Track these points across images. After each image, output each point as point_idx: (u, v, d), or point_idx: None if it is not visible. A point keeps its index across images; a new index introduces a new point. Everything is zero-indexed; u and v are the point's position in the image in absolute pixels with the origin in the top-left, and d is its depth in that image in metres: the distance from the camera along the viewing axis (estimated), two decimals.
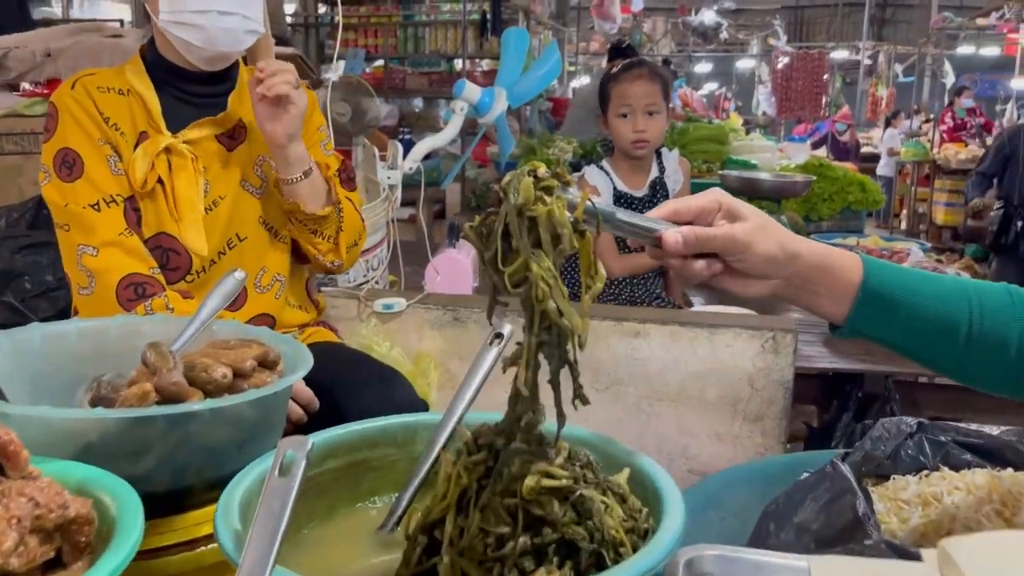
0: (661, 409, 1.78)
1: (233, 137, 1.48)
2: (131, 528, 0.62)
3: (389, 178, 2.15)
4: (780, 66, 8.52)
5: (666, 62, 9.37)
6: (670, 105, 2.47)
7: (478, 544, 0.68)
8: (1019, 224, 3.44)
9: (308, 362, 0.95)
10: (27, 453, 0.61)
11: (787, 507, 1.01)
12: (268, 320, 1.49)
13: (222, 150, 1.46)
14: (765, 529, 1.00)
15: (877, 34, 17.55)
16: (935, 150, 9.81)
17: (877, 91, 14.74)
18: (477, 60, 7.85)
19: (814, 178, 3.08)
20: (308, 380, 1.40)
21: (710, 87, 18.75)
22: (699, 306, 2.59)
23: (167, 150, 1.39)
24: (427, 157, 2.26)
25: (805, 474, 1.04)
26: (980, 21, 10.26)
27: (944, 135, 10.31)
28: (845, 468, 1.02)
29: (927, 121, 12.36)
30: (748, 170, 3.09)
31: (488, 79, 7.40)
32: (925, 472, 1.04)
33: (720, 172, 3.09)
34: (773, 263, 0.81)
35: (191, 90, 1.46)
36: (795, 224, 3.23)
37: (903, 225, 10.39)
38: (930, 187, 9.56)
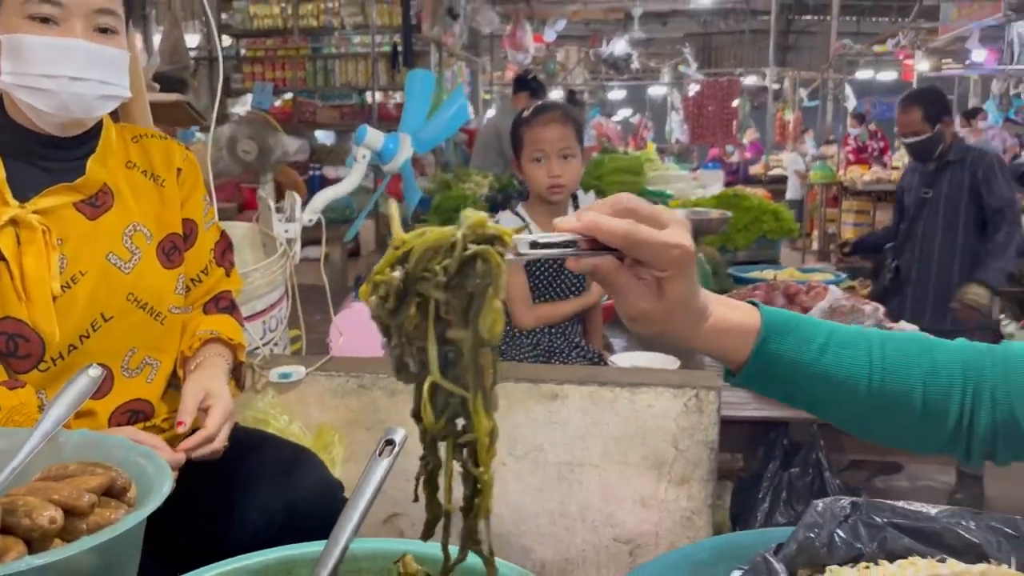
0: (583, 475, 1.68)
1: (96, 205, 1.32)
2: None
3: (287, 231, 2.01)
4: (691, 93, 8.68)
5: (572, 93, 9.43)
6: (584, 146, 2.40)
7: None
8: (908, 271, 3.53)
9: (166, 484, 0.81)
10: None
11: None
12: (144, 406, 1.33)
13: (83, 220, 1.30)
14: None
15: (782, 60, 18.17)
16: (841, 172, 10.13)
17: (784, 115, 15.23)
18: (390, 92, 7.74)
19: (730, 214, 3.06)
20: (202, 464, 1.25)
21: (624, 113, 19.07)
22: (620, 351, 2.51)
23: (13, 222, 1.23)
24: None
25: (736, 573, 0.95)
26: (877, 48, 10.68)
27: (849, 157, 10.68)
28: (776, 564, 0.93)
29: (828, 142, 12.80)
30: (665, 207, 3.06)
31: (401, 112, 7.28)
32: (864, 565, 0.96)
33: None
34: (672, 320, 0.74)
35: (43, 154, 1.29)
36: (713, 260, 3.21)
37: (815, 245, 10.66)
38: (838, 208, 9.87)
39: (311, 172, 6.48)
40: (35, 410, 1.19)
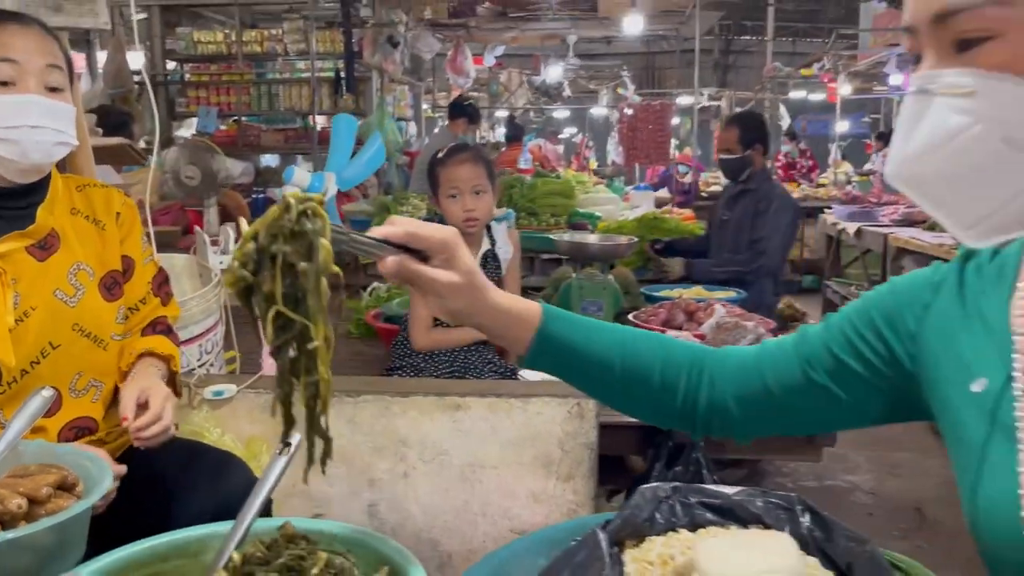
0: (484, 475, 1.92)
1: (45, 248, 1.52)
2: None
3: (222, 263, 2.22)
4: (626, 117, 9.03)
5: (512, 117, 9.75)
6: (495, 183, 2.65)
7: None
8: None
9: (107, 481, 1.03)
10: None
11: (554, 571, 1.16)
12: (89, 423, 1.54)
13: (33, 261, 1.50)
14: None
15: (722, 79, 18.66)
16: None
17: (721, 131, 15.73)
18: (332, 116, 7.94)
19: (636, 240, 3.34)
20: (142, 476, 1.45)
21: (571, 131, 19.46)
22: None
23: None
24: None
25: (572, 543, 1.19)
26: (804, 72, 11.20)
27: (779, 173, 11.11)
28: (601, 536, 1.18)
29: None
30: (579, 235, 3.34)
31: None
32: (673, 533, 1.21)
33: (554, 238, 3.30)
34: (466, 311, 0.93)
35: (1, 204, 1.50)
36: (626, 281, 3.48)
37: None
38: None
39: (255, 195, 6.63)
40: None
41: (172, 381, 1.63)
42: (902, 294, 0.90)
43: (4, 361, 1.42)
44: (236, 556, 0.91)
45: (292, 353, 0.85)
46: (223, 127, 7.42)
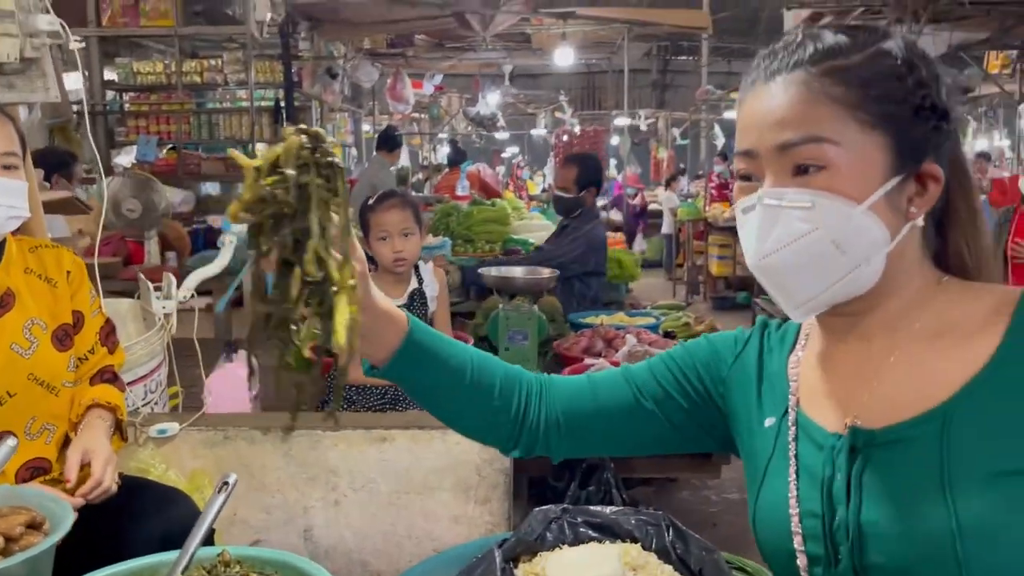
0: (409, 501, 2.12)
1: (1, 305, 1.69)
2: None
3: (164, 308, 2.38)
4: (562, 142, 9.31)
5: (455, 143, 10.00)
6: (423, 225, 2.86)
7: None
8: None
9: (69, 518, 1.21)
10: None
11: None
12: (44, 463, 1.70)
13: None
14: None
15: (660, 99, 19.04)
16: (707, 209, 10.94)
17: (658, 153, 16.18)
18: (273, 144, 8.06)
19: (559, 272, 3.57)
20: (95, 510, 1.61)
21: (512, 150, 19.78)
22: None
23: None
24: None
25: (473, 560, 1.41)
26: (734, 95, 11.67)
27: (713, 194, 11.50)
28: (497, 553, 1.40)
29: (699, 177, 13.71)
30: (506, 268, 3.56)
31: None
32: (559, 548, 1.43)
33: (482, 272, 3.52)
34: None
35: None
36: (552, 310, 3.71)
37: (686, 276, 11.41)
38: (705, 242, 10.66)
39: (196, 224, 6.72)
40: None
41: (119, 426, 1.80)
42: (717, 347, 1.13)
43: None
44: None
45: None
46: (162, 155, 7.48)
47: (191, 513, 1.72)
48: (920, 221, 0.92)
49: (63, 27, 1.87)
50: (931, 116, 0.91)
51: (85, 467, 1.63)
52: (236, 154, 0.83)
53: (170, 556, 1.17)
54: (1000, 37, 7.54)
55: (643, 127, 14.35)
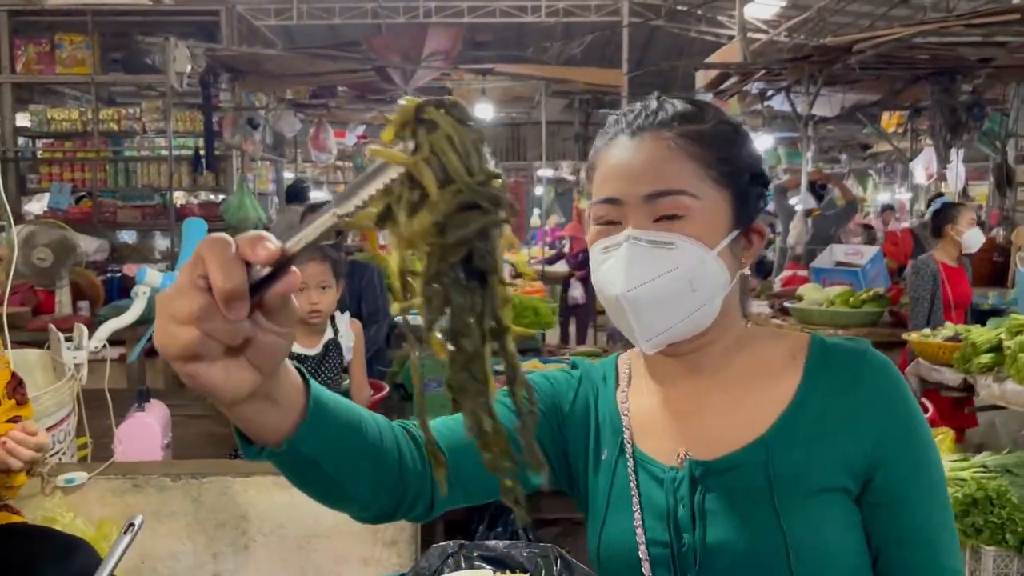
0: (318, 544, 2.17)
1: None
2: None
3: (75, 358, 2.40)
4: None
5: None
6: (340, 279, 2.93)
7: None
8: None
9: None
10: None
11: None
12: None
13: None
14: None
15: (583, 151, 19.48)
16: None
17: (580, 203, 16.56)
18: (195, 193, 8.02)
19: None
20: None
21: None
22: None
23: None
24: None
25: None
26: None
27: None
28: None
29: None
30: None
31: (204, 210, 7.62)
32: None
33: (397, 320, 3.60)
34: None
35: None
36: None
37: (608, 323, 11.63)
38: None
39: (110, 273, 6.61)
40: None
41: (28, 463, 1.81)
42: (560, 387, 1.18)
43: None
44: None
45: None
46: (76, 204, 7.36)
47: (94, 563, 1.74)
48: (747, 270, 1.08)
49: None
50: (759, 181, 1.06)
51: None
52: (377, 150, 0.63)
53: None
54: (891, 99, 8.08)
55: (568, 177, 14.69)
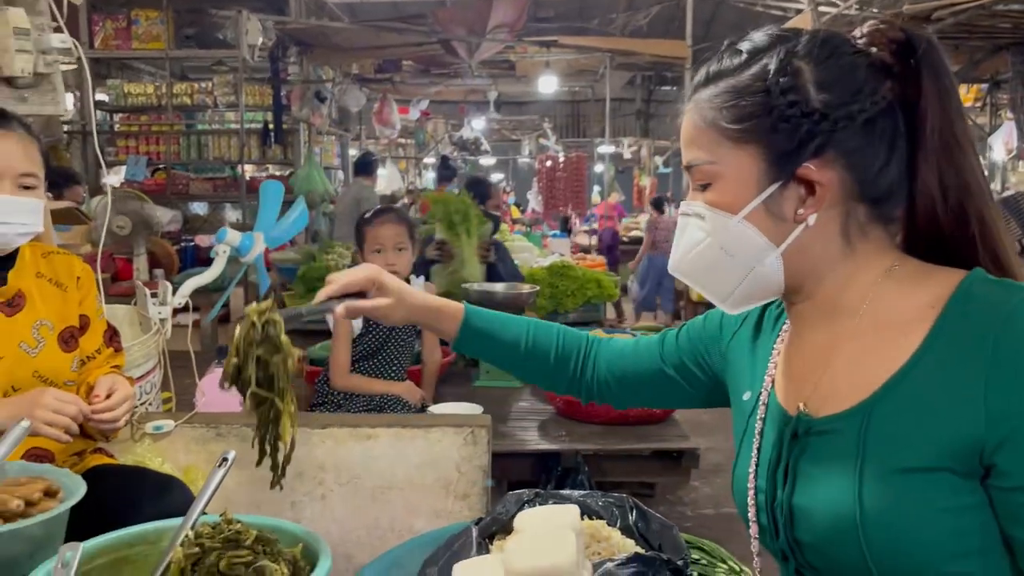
0: (392, 496, 2.23)
1: (12, 305, 1.78)
2: None
3: (160, 313, 2.49)
4: (545, 168, 9.49)
5: (445, 159, 10.18)
6: (415, 241, 2.99)
7: None
8: None
9: (82, 489, 1.32)
10: None
11: (435, 557, 1.48)
12: (46, 453, 1.79)
13: (2, 317, 1.76)
14: (422, 573, 1.47)
15: (644, 128, 19.28)
16: None
17: (640, 181, 16.42)
18: (264, 166, 8.20)
19: (538, 289, 3.71)
20: (93, 500, 1.71)
21: (497, 176, 19.99)
22: (446, 402, 3.07)
23: None
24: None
25: (450, 537, 1.53)
26: None
27: None
28: (474, 530, 1.52)
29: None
30: (487, 284, 3.70)
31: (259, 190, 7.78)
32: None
33: (465, 287, 3.65)
34: (405, 318, 1.31)
35: None
36: None
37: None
38: None
39: (183, 242, 6.82)
40: None
41: None
42: (721, 323, 1.24)
43: None
44: (181, 550, 1.19)
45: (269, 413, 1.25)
46: (151, 176, 7.59)
47: (187, 499, 1.82)
48: (811, 221, 0.96)
49: (75, 45, 2.00)
50: (802, 121, 0.93)
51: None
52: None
53: (175, 522, 1.28)
54: (969, 70, 7.80)
55: (627, 155, 14.58)
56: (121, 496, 1.73)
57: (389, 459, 2.22)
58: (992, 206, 0.97)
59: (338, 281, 1.27)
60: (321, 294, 1.27)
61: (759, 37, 1.00)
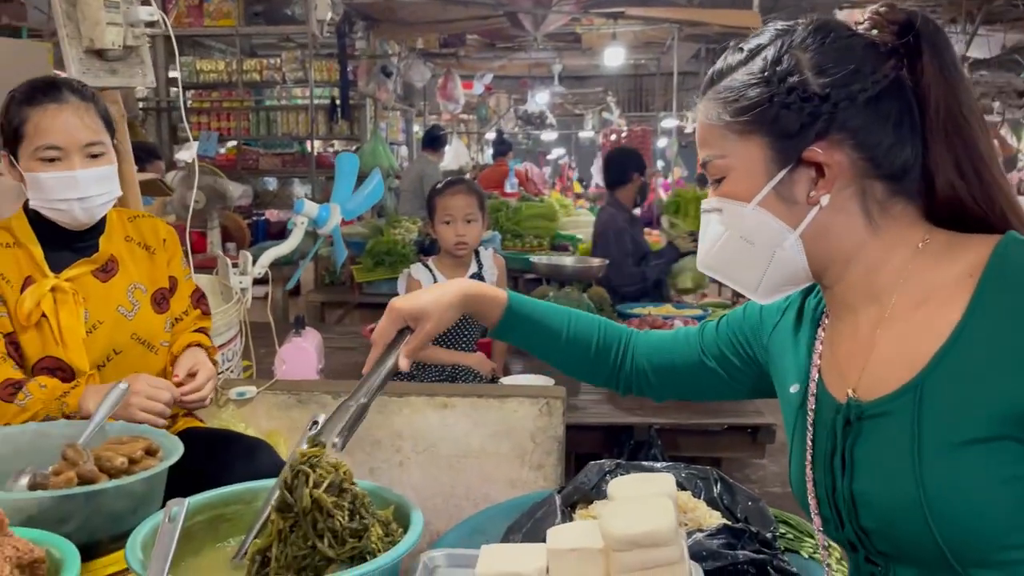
0: (467, 464, 2.25)
1: (106, 271, 1.84)
2: (71, 567, 1.01)
3: (240, 282, 2.55)
4: (609, 142, 9.39)
5: (500, 133, 10.17)
6: (486, 213, 2.99)
7: (291, 561, 1.11)
8: None
9: (180, 449, 1.36)
10: (7, 519, 1.01)
11: (518, 524, 1.49)
12: None
13: (98, 283, 1.81)
14: (505, 539, 1.48)
15: None
16: None
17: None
18: (330, 142, 8.30)
19: (607, 261, 3.69)
20: (185, 462, 1.76)
21: (558, 152, 19.86)
22: (515, 374, 3.08)
23: (52, 289, 1.73)
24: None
25: (534, 503, 1.53)
26: None
27: None
28: (557, 498, 1.52)
29: None
30: (556, 257, 3.69)
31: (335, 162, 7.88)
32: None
33: (533, 259, 3.65)
34: (454, 318, 1.26)
35: (68, 240, 1.80)
36: (600, 300, 3.83)
37: None
38: None
39: (255, 217, 6.96)
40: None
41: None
42: (762, 315, 1.23)
43: (79, 366, 1.74)
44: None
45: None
46: (222, 151, 7.75)
47: (275, 463, 1.86)
48: (824, 201, 0.97)
49: (163, 18, 2.04)
50: (803, 105, 0.95)
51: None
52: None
53: (268, 482, 1.31)
54: None
55: (688, 128, 14.33)
56: (212, 459, 1.78)
57: (465, 428, 2.24)
58: (1004, 175, 0.98)
59: (375, 343, 1.26)
60: (370, 362, 1.26)
61: (761, 35, 1.03)
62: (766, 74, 0.98)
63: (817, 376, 1.07)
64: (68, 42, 1.97)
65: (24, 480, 1.26)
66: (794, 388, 1.11)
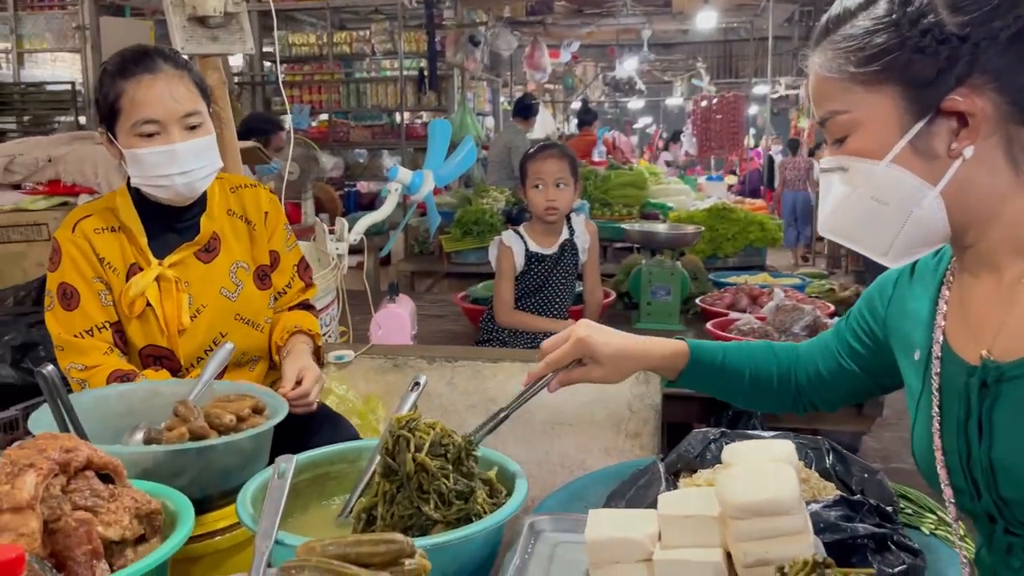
0: (562, 431, 2.23)
1: (209, 250, 1.80)
2: (186, 519, 1.03)
3: (337, 249, 2.57)
4: (699, 108, 9.17)
5: (585, 102, 10.02)
6: (578, 178, 2.93)
7: (397, 520, 1.11)
8: None
9: (285, 408, 1.38)
10: (125, 471, 1.03)
11: (621, 491, 1.46)
12: None
13: (200, 265, 1.78)
14: (607, 506, 1.45)
15: (801, 68, 18.28)
16: None
17: (799, 122, 15.61)
18: (418, 113, 8.34)
19: (703, 229, 3.58)
20: (281, 424, 1.77)
21: (645, 121, 19.53)
22: None
23: (157, 278, 1.72)
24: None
25: (635, 471, 1.50)
26: None
27: None
28: (660, 465, 1.48)
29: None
30: (648, 224, 3.61)
31: (427, 130, 7.92)
32: (718, 467, 1.49)
33: (626, 227, 3.57)
34: (623, 378, 1.28)
35: (170, 219, 1.77)
36: (694, 268, 3.73)
37: (826, 250, 11.05)
38: None
39: (346, 188, 7.07)
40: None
41: (316, 352, 1.88)
42: (876, 292, 1.17)
43: (182, 354, 1.74)
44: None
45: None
46: (314, 124, 7.89)
47: (351, 436, 1.78)
48: (968, 154, 0.90)
49: None
50: (939, 49, 0.88)
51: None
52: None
53: (372, 441, 1.32)
54: None
55: (781, 91, 13.87)
56: (300, 425, 1.75)
57: (560, 395, 2.19)
58: None
59: (545, 360, 1.27)
60: (533, 376, 1.30)
61: (842, 4, 0.96)
62: (894, 16, 0.91)
63: (942, 338, 1.01)
64: (172, 10, 2.00)
65: (139, 435, 1.29)
66: (916, 355, 1.06)
